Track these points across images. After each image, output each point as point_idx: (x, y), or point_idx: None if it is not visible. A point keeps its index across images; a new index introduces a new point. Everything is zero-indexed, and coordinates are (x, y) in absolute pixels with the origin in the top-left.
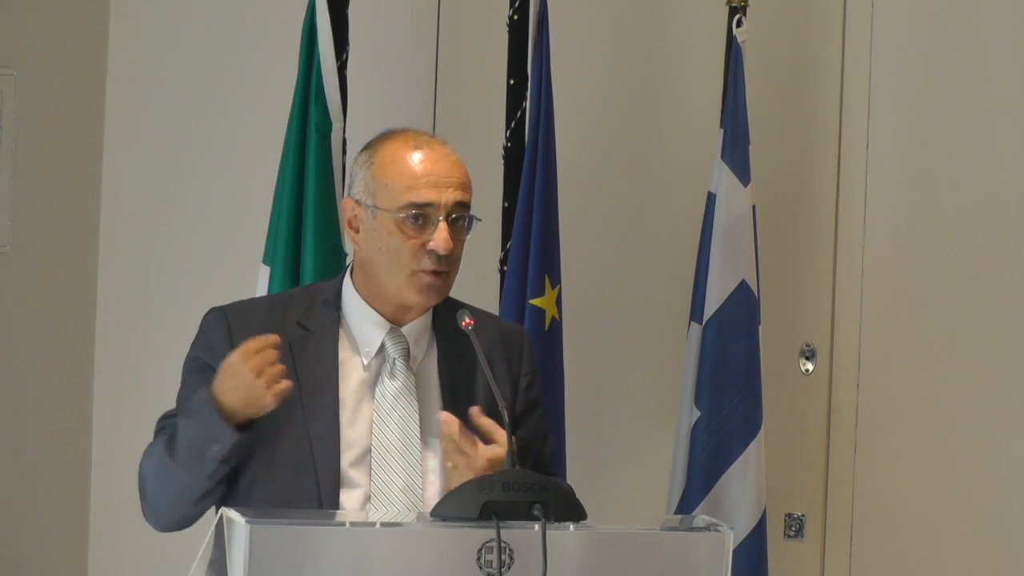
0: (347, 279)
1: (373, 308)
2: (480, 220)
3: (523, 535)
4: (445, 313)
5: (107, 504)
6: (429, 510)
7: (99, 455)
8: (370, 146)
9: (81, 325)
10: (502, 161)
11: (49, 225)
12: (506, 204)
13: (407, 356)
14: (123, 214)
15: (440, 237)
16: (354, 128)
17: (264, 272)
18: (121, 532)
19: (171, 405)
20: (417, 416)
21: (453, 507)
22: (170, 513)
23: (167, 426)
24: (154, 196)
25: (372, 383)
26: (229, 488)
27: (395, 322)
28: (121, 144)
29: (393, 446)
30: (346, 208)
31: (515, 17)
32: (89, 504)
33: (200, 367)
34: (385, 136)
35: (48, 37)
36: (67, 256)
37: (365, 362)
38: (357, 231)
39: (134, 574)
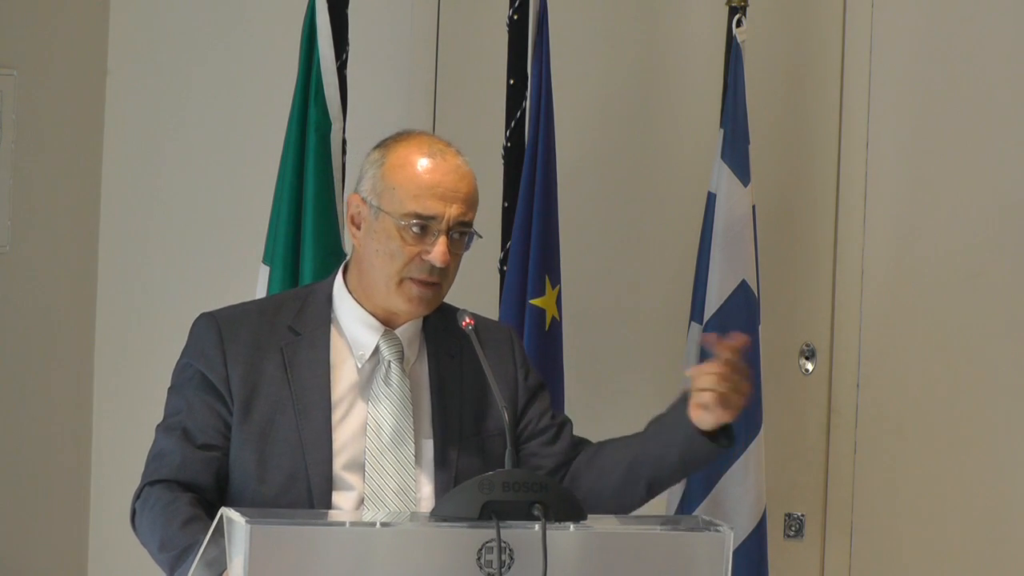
0: (339, 279)
1: (366, 309)
2: (481, 237)
3: (523, 535)
4: (434, 314)
5: (107, 504)
6: (423, 512)
7: (99, 455)
8: (384, 145)
9: (81, 325)
10: (502, 161)
11: (49, 225)
12: (506, 204)
13: (401, 359)
14: (123, 214)
15: (438, 251)
16: (354, 128)
17: (264, 272)
18: (121, 532)
19: None
20: (412, 419)
21: (453, 507)
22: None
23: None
24: (154, 196)
25: (366, 386)
26: (220, 493)
27: (387, 324)
28: (121, 144)
29: (387, 449)
30: (351, 203)
31: (515, 17)
32: (89, 504)
33: (191, 375)
34: (400, 137)
35: (48, 37)
36: (67, 256)
37: (359, 365)
38: (359, 227)
39: (134, 574)
